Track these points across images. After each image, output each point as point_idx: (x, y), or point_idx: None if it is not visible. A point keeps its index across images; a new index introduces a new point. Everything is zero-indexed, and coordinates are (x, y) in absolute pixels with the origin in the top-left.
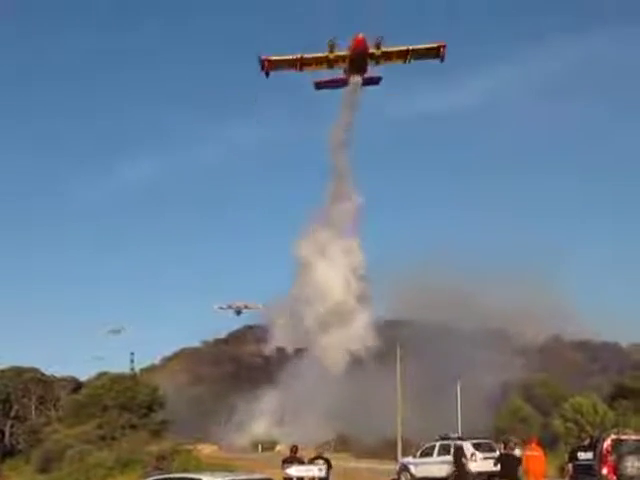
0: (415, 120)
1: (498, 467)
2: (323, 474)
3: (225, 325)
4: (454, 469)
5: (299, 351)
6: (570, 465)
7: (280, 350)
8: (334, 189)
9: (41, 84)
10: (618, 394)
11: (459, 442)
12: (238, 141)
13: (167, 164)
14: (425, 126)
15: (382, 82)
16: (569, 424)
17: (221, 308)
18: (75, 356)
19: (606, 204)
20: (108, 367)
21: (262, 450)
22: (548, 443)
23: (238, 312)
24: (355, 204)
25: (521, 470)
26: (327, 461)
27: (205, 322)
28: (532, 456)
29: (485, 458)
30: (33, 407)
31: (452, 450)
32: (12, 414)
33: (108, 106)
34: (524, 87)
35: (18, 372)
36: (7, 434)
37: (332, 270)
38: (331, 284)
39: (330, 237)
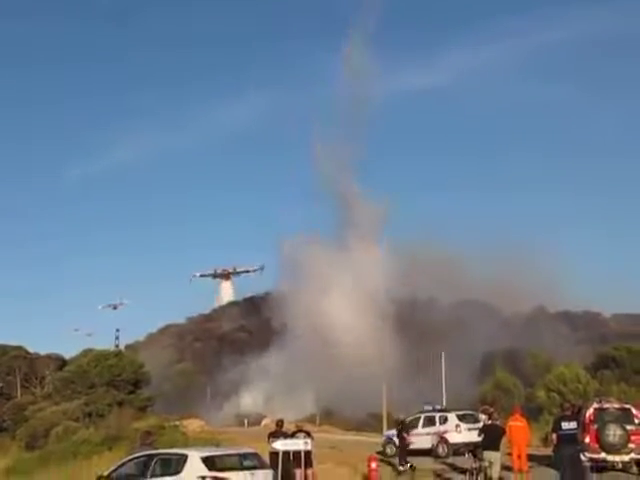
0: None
1: (482, 437)
2: (309, 447)
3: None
4: (399, 443)
5: (284, 325)
6: (554, 435)
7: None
8: None
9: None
10: (601, 364)
11: (402, 417)
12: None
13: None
14: (403, 106)
15: None
16: (553, 394)
17: (202, 276)
18: (59, 333)
19: (590, 180)
20: (93, 344)
21: (248, 425)
22: (532, 414)
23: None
24: None
25: (505, 440)
26: (308, 434)
27: (189, 297)
28: (515, 426)
29: (469, 429)
30: (18, 385)
31: (437, 420)
32: None
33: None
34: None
35: (3, 350)
36: None
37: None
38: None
39: None
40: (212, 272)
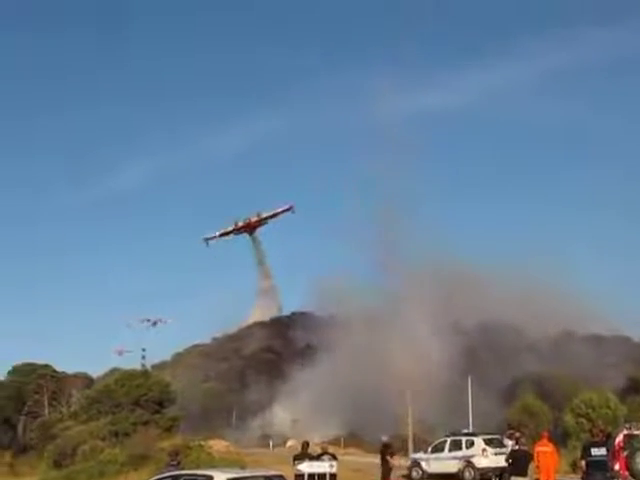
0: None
1: (509, 463)
2: (334, 470)
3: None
4: (382, 465)
5: (309, 347)
6: (583, 461)
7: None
8: None
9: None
10: (631, 388)
11: (384, 438)
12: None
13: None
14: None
15: None
16: (581, 419)
17: (223, 235)
18: (87, 352)
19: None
20: (120, 364)
21: (273, 446)
22: (560, 439)
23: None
24: None
25: (532, 466)
26: (333, 456)
27: (215, 318)
28: (543, 451)
29: (496, 454)
30: (46, 403)
31: (464, 444)
32: (25, 410)
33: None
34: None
35: (31, 368)
36: (20, 430)
37: None
38: None
39: None
40: (232, 227)
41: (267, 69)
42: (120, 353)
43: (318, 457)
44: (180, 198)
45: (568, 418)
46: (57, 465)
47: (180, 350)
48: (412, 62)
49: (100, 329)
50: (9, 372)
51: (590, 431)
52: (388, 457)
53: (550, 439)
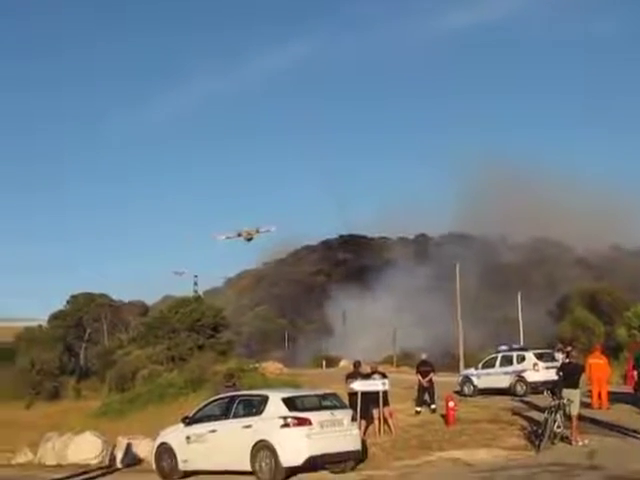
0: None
1: (560, 375)
2: (386, 387)
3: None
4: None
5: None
6: (635, 372)
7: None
8: None
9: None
10: None
11: (423, 356)
12: None
13: None
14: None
15: None
16: (633, 331)
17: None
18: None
19: None
20: (172, 292)
21: (326, 366)
22: (612, 352)
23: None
24: None
25: (584, 378)
26: (384, 375)
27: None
28: (596, 364)
29: (547, 368)
30: (105, 331)
31: (515, 359)
32: (85, 337)
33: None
34: None
35: (90, 298)
36: (82, 356)
37: None
38: None
39: None
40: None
41: None
42: (180, 274)
43: (369, 376)
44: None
45: (620, 331)
46: (118, 389)
47: (231, 276)
48: None
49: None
50: (68, 301)
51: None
52: (418, 376)
53: (603, 352)
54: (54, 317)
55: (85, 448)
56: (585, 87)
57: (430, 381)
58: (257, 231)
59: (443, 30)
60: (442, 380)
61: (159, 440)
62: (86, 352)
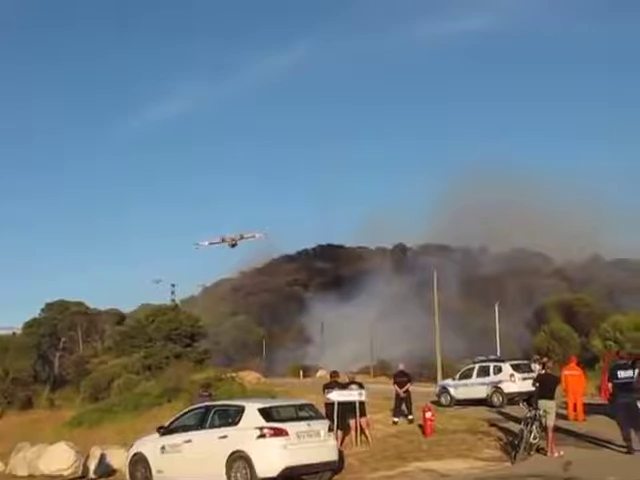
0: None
1: (536, 386)
2: (363, 397)
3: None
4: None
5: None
6: (609, 384)
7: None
8: None
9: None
10: None
11: (401, 366)
12: None
13: None
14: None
15: None
16: (609, 343)
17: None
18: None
19: None
20: (149, 300)
21: (303, 376)
22: (588, 363)
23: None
24: None
25: (560, 389)
26: (360, 385)
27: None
28: (571, 375)
29: (524, 379)
30: (80, 339)
31: (491, 370)
32: (60, 346)
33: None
34: None
35: (64, 306)
36: (56, 365)
37: None
38: None
39: None
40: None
41: None
42: (157, 282)
43: (345, 386)
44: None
45: (596, 342)
46: (93, 398)
47: (208, 285)
48: None
49: (130, 264)
50: (43, 309)
51: (617, 353)
52: (395, 386)
53: (578, 363)
54: (28, 325)
55: (57, 458)
56: (566, 97)
57: (407, 391)
58: (242, 237)
59: (418, 43)
60: (420, 390)
61: (133, 450)
62: (60, 361)
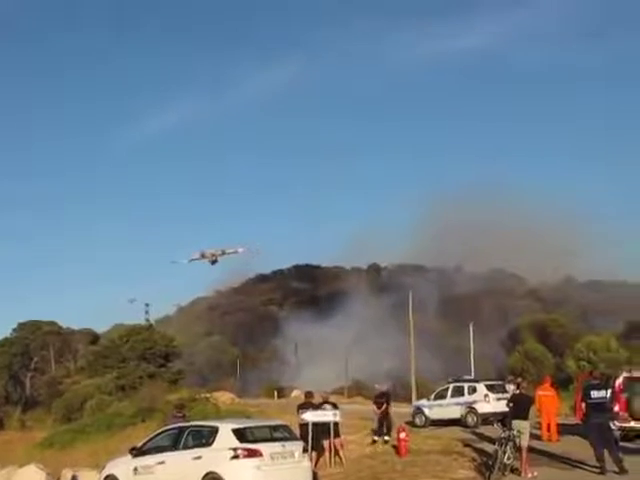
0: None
1: (510, 407)
2: (337, 418)
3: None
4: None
5: (315, 298)
6: (583, 404)
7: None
8: None
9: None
10: (631, 332)
11: (383, 387)
12: None
13: None
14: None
15: None
16: (582, 363)
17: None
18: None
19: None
20: (123, 319)
21: (278, 397)
22: (562, 383)
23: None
24: None
25: (534, 409)
26: (334, 405)
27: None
28: (545, 396)
29: (498, 399)
30: (52, 359)
31: (466, 391)
32: (32, 366)
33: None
34: None
35: (37, 326)
36: (27, 386)
37: None
38: None
39: None
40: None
41: None
42: (131, 302)
43: (319, 406)
44: None
45: (570, 362)
46: (65, 419)
47: (183, 304)
48: None
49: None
50: (14, 329)
51: (590, 373)
52: (373, 406)
53: (552, 383)
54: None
55: None
56: (562, 117)
57: (384, 412)
58: (223, 252)
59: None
60: (395, 411)
61: (105, 472)
62: (32, 381)
